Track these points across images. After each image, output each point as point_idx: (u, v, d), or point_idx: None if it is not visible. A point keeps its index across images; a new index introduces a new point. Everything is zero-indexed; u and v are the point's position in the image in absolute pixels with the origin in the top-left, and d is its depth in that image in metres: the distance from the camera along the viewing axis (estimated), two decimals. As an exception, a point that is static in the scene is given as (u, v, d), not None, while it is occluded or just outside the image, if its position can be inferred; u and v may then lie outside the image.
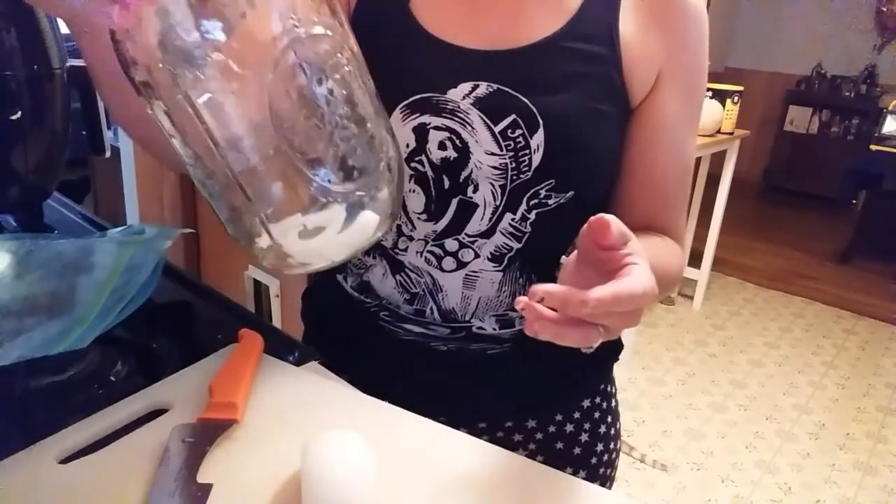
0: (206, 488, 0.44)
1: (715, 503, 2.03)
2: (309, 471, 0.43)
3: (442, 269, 0.63)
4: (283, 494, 0.45)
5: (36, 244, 0.60)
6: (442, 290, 0.64)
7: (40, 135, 0.78)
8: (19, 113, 0.74)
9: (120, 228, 0.68)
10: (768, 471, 2.19)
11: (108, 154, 0.93)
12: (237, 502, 0.44)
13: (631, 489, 2.05)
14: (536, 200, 0.60)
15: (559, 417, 0.72)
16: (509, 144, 0.58)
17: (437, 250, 0.63)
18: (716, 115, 2.81)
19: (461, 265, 0.63)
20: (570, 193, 0.60)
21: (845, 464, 2.25)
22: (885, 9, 5.02)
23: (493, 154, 0.59)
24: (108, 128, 1.05)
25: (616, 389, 0.80)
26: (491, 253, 0.62)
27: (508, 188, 0.59)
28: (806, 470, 2.21)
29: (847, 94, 5.26)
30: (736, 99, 2.85)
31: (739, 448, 2.29)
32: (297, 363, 0.63)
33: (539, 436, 0.72)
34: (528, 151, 0.58)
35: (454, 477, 0.48)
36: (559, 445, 0.72)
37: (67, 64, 0.78)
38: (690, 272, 3.29)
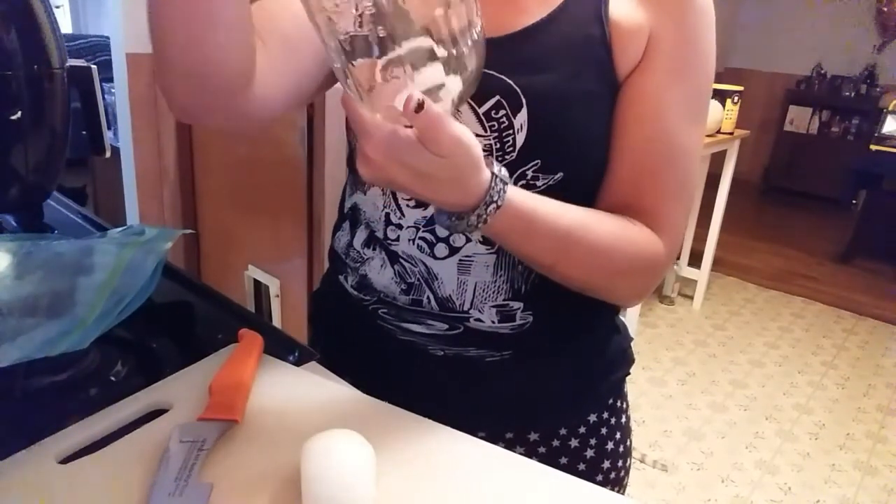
0: (206, 488, 0.44)
1: (715, 503, 2.03)
2: (309, 471, 0.43)
3: (435, 257, 0.63)
4: (283, 494, 0.45)
5: (36, 245, 0.60)
6: (437, 279, 0.64)
7: (40, 135, 0.78)
8: (19, 113, 0.74)
9: (120, 229, 0.68)
10: (768, 471, 2.19)
11: (108, 154, 0.93)
12: (237, 502, 0.44)
13: (631, 489, 2.05)
14: (524, 182, 0.60)
15: (563, 431, 0.71)
16: (493, 125, 0.59)
17: (429, 236, 0.63)
18: (716, 115, 2.81)
19: (454, 251, 0.63)
20: (559, 175, 0.60)
21: (845, 464, 2.25)
22: (885, 9, 5.02)
23: (477, 135, 0.58)
24: (108, 128, 1.05)
25: (628, 405, 0.77)
26: (483, 235, 0.62)
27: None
28: (806, 470, 2.21)
29: (847, 94, 5.26)
30: (736, 99, 2.85)
31: (739, 448, 2.29)
32: (297, 363, 0.63)
33: (542, 449, 0.71)
34: (511, 131, 0.59)
35: (454, 477, 0.48)
36: (563, 460, 0.72)
37: (67, 64, 0.78)
38: (690, 272, 3.29)
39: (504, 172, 0.52)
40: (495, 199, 0.51)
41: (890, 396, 2.69)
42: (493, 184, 0.51)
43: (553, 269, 0.59)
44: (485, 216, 0.51)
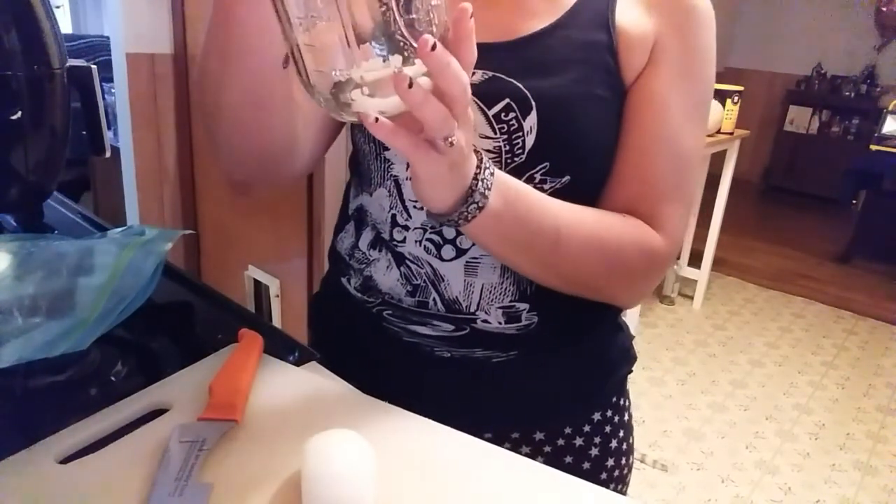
0: (206, 488, 0.44)
1: (715, 503, 2.03)
2: (309, 470, 0.43)
3: (441, 258, 0.63)
4: (283, 494, 0.45)
5: (36, 245, 0.60)
6: (444, 280, 0.64)
7: (40, 135, 0.78)
8: (19, 113, 0.74)
9: (120, 229, 0.68)
10: (768, 471, 2.19)
11: (108, 154, 0.93)
12: (237, 502, 0.44)
13: (631, 489, 2.04)
14: (532, 185, 0.60)
15: (568, 430, 0.72)
16: (503, 127, 0.59)
17: (436, 238, 0.63)
18: (716, 115, 2.81)
19: (461, 252, 0.63)
20: (566, 179, 0.61)
21: (845, 464, 2.25)
22: (885, 9, 5.02)
23: (487, 137, 0.60)
24: (108, 128, 1.05)
25: (630, 403, 0.78)
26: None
27: (503, 172, 0.59)
28: (806, 470, 2.21)
29: (847, 94, 5.26)
30: (736, 99, 2.85)
31: (739, 448, 2.29)
32: (297, 363, 0.63)
33: (547, 449, 0.71)
34: (521, 134, 0.59)
35: (454, 477, 0.49)
36: (568, 459, 0.72)
37: (67, 64, 0.78)
38: (690, 272, 3.29)
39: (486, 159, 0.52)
40: (487, 172, 0.51)
41: (890, 396, 2.69)
42: (481, 162, 0.51)
43: (546, 262, 0.59)
44: (483, 188, 0.50)
